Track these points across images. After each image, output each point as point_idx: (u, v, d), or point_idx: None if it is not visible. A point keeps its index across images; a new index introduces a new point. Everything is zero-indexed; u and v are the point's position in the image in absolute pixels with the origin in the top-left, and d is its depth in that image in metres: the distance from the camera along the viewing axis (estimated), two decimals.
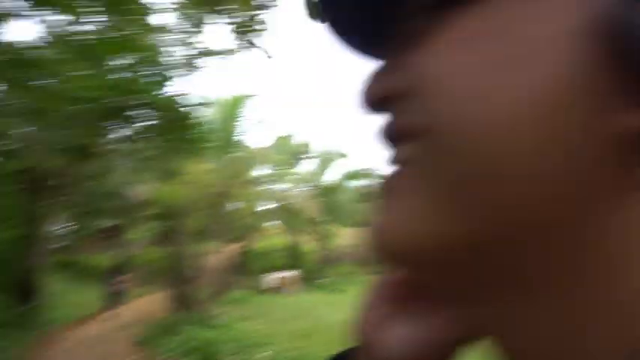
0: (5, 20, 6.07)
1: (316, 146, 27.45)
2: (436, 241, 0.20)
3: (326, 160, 25.36)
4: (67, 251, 19.53)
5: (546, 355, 0.20)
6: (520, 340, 0.21)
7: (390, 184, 0.23)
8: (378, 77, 0.23)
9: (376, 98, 0.23)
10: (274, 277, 18.06)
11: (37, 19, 6.45)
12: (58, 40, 6.51)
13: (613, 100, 0.17)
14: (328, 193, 22.79)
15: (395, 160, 0.23)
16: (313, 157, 26.96)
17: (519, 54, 0.18)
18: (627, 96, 0.17)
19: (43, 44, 6.78)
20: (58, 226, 16.74)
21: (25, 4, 5.87)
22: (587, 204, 0.18)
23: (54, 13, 6.40)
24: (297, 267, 20.27)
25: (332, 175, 24.38)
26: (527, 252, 0.19)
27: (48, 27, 6.64)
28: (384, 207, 0.22)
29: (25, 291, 9.95)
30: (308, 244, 22.65)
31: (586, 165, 0.18)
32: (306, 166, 24.16)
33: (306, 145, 28.46)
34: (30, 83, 6.52)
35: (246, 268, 20.25)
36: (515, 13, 0.19)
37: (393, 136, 0.23)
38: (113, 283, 13.94)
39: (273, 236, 23.09)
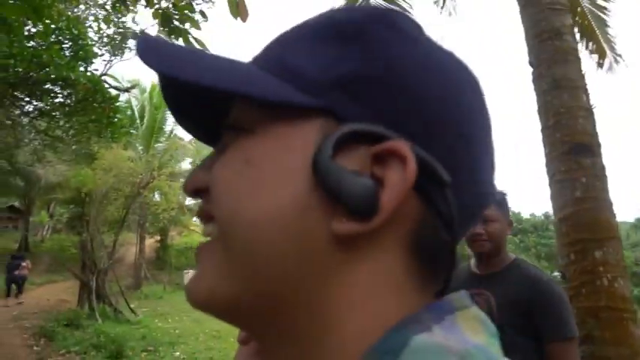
0: None
1: None
2: (218, 296, 0.29)
3: None
4: None
5: None
6: None
7: (200, 250, 0.32)
8: (194, 174, 0.33)
9: (190, 190, 0.32)
10: (191, 274, 17.52)
11: None
12: None
13: (327, 213, 0.26)
14: None
15: (204, 234, 0.32)
16: None
17: (271, 177, 0.28)
18: (334, 210, 0.26)
19: None
20: None
21: None
22: (312, 277, 0.27)
23: None
24: None
25: None
26: (275, 308, 0.28)
27: None
28: (196, 269, 0.31)
29: None
30: None
31: (310, 253, 0.27)
32: None
33: None
34: None
35: (165, 263, 19.44)
36: (273, 146, 0.28)
37: (201, 216, 0.32)
38: (15, 270, 12.54)
39: (196, 233, 22.43)
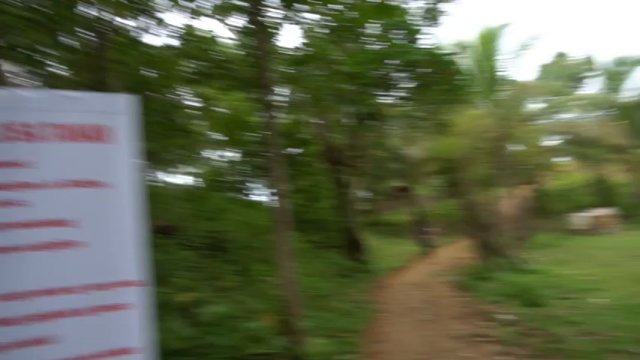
0: (277, 28, 6.06)
1: (602, 58, 22.58)
2: None
3: (618, 72, 20.54)
4: (369, 212, 22.39)
5: None
6: None
7: None
8: None
9: None
10: (584, 217, 15.94)
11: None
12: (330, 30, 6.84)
13: None
14: (630, 111, 18.48)
15: None
16: (599, 73, 22.25)
17: None
18: None
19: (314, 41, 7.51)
20: (360, 192, 19.35)
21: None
22: None
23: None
24: (609, 204, 17.34)
25: (631, 89, 19.59)
26: None
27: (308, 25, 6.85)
28: None
29: (351, 247, 11.95)
30: (617, 176, 19.10)
31: None
32: (592, 86, 20.13)
33: (588, 61, 23.57)
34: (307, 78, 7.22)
35: (544, 210, 18.63)
36: None
37: None
38: (421, 236, 15.52)
39: (568, 173, 20.44)
